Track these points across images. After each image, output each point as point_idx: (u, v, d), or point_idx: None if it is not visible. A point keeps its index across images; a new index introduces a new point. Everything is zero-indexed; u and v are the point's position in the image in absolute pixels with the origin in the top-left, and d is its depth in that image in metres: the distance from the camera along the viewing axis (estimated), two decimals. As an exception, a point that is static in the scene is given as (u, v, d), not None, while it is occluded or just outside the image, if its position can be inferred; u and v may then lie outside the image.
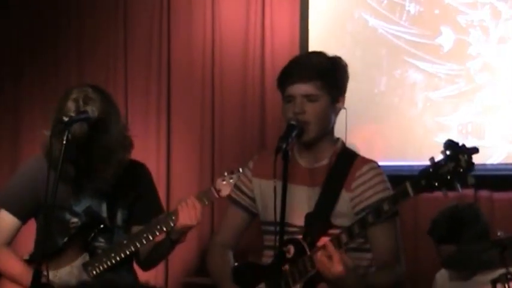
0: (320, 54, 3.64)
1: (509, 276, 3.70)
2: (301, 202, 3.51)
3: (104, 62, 5.63)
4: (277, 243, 3.39)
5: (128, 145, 3.97)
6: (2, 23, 5.82)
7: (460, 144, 3.12)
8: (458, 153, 3.09)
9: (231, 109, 5.48)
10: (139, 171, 4.09)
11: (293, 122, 3.42)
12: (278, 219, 3.33)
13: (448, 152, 3.11)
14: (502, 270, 3.72)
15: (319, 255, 3.26)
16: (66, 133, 3.52)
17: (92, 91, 3.79)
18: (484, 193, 4.87)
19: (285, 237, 3.41)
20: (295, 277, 3.41)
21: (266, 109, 5.37)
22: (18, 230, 3.95)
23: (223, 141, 5.45)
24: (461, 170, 3.06)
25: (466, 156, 3.07)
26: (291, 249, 3.42)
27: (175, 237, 3.91)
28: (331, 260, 3.22)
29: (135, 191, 4.00)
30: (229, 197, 3.80)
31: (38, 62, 5.78)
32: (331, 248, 3.24)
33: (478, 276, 4.20)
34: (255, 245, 3.87)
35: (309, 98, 3.44)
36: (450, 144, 3.13)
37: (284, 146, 3.30)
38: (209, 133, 5.48)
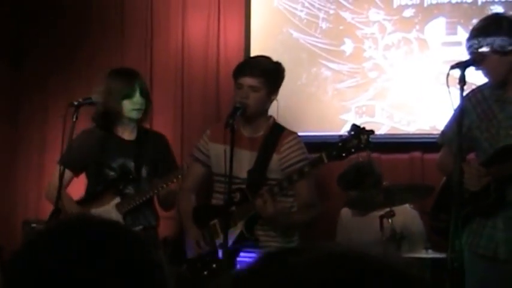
0: (267, 59, 4.04)
1: (391, 213, 4.45)
2: (244, 162, 3.92)
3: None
4: (227, 191, 3.75)
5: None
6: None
7: (362, 127, 3.55)
8: (360, 134, 3.50)
9: (196, 94, 5.88)
10: (160, 138, 4.55)
11: (238, 105, 3.81)
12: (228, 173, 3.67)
13: (352, 132, 3.52)
14: (387, 209, 4.48)
15: (258, 200, 3.71)
16: (75, 113, 4.02)
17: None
18: (375, 155, 5.20)
19: (233, 186, 3.74)
20: (240, 216, 3.84)
21: (220, 93, 5.76)
22: (71, 180, 4.48)
23: (190, 117, 5.83)
24: (362, 146, 3.52)
25: (366, 136, 3.50)
26: (238, 195, 3.84)
27: None
28: (265, 204, 3.68)
29: (156, 153, 4.40)
30: (191, 155, 4.25)
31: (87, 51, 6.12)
32: (266, 195, 3.70)
33: (371, 213, 4.75)
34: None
35: (253, 88, 3.87)
36: (355, 127, 3.57)
37: (231, 121, 3.69)
38: (180, 111, 5.88)
